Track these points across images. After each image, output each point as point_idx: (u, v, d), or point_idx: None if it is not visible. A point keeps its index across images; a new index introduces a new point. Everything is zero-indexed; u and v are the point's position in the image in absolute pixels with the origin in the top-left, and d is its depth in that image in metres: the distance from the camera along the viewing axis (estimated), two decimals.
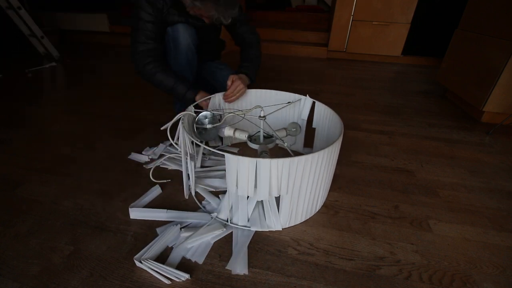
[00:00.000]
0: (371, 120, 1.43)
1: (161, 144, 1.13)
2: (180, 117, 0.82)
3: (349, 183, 0.96)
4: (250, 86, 1.10)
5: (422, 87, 1.96)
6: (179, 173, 0.98)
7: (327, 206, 0.85)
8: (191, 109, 0.88)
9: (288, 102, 1.03)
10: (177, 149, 1.08)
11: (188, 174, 0.83)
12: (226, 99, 1.02)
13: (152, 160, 1.05)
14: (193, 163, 0.81)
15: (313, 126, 1.01)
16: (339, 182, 0.95)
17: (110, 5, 3.37)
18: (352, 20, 2.48)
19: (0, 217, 0.79)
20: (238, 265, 0.65)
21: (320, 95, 1.75)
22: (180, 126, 0.80)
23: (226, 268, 0.65)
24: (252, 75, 1.13)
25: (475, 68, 1.44)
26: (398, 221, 0.80)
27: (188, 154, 0.79)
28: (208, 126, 0.92)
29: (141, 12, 0.97)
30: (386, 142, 1.22)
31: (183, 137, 0.77)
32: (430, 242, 0.74)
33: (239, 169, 0.64)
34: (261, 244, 0.72)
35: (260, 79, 2.02)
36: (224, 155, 0.64)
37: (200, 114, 0.92)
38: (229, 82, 1.00)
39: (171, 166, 1.00)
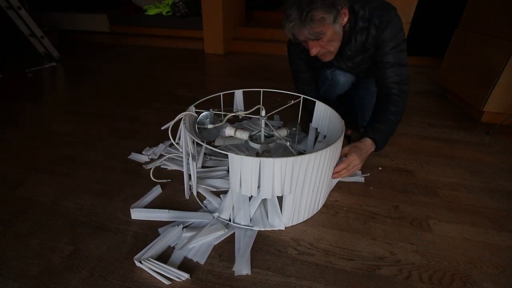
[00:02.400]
0: None
1: (161, 144, 1.13)
2: (181, 117, 0.82)
3: (349, 183, 0.96)
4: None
5: (422, 87, 1.95)
6: (179, 173, 0.98)
7: (327, 206, 0.85)
8: (192, 109, 0.88)
9: (289, 102, 1.03)
10: (178, 149, 1.08)
11: (190, 174, 0.83)
12: (333, 175, 0.79)
13: (152, 160, 1.05)
14: (194, 163, 0.81)
15: (313, 125, 1.01)
16: (339, 182, 0.95)
17: (110, 5, 3.37)
18: None
19: (0, 217, 0.79)
20: (243, 267, 0.65)
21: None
22: (181, 125, 0.80)
23: (233, 269, 0.65)
24: (381, 142, 0.88)
25: (475, 68, 1.44)
26: (398, 221, 0.80)
27: (190, 154, 0.79)
28: (209, 126, 0.92)
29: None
30: None
31: (185, 137, 0.77)
32: (430, 242, 0.74)
33: (242, 168, 0.64)
34: (261, 244, 0.72)
35: (260, 79, 2.02)
36: (225, 155, 0.64)
37: (201, 114, 0.92)
38: (342, 153, 0.82)
39: (171, 166, 1.00)
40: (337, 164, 0.78)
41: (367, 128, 0.90)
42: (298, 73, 1.10)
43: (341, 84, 1.12)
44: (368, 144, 0.86)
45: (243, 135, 0.92)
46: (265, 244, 0.72)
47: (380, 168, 1.04)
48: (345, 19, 0.81)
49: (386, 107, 0.90)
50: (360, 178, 0.96)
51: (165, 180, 0.94)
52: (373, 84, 1.04)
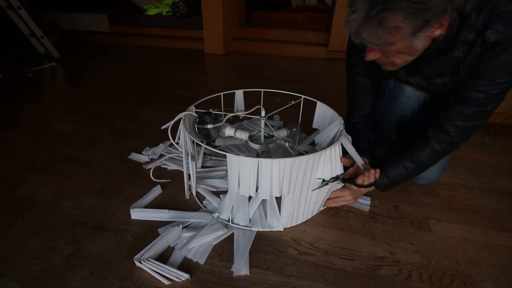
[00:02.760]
0: None
1: (161, 144, 1.13)
2: (181, 117, 0.82)
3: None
4: None
5: None
6: (179, 173, 0.98)
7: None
8: (192, 109, 0.88)
9: (289, 102, 1.03)
10: (178, 149, 1.08)
11: (189, 174, 0.83)
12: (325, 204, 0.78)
13: (152, 160, 1.05)
14: (194, 163, 0.81)
15: (314, 126, 1.01)
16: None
17: (110, 5, 3.37)
18: None
19: (0, 217, 0.79)
20: (242, 267, 0.65)
21: (320, 95, 1.75)
22: (181, 126, 0.80)
23: (232, 270, 0.65)
24: (385, 186, 0.77)
25: None
26: (398, 221, 0.80)
27: (189, 154, 0.79)
28: (209, 126, 0.92)
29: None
30: None
31: (184, 137, 0.77)
32: (430, 242, 0.74)
33: (241, 169, 0.64)
34: (261, 244, 0.72)
35: (260, 79, 2.02)
36: (225, 155, 0.64)
37: (201, 115, 0.93)
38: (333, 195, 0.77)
39: (171, 166, 1.00)
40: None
41: (380, 162, 0.77)
42: (352, 75, 0.83)
43: (405, 98, 0.81)
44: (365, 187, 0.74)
45: (243, 136, 0.92)
46: (265, 244, 0.72)
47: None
48: (437, 32, 0.55)
49: (418, 149, 0.72)
50: (366, 206, 0.85)
51: (165, 180, 0.94)
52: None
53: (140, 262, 0.64)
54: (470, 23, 0.56)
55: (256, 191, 0.67)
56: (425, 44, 0.57)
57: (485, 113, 0.67)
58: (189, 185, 0.88)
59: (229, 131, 0.93)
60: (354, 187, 0.74)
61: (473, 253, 0.72)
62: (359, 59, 0.77)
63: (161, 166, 1.01)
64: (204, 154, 1.06)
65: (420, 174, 0.78)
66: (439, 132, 0.70)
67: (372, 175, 0.72)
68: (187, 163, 0.81)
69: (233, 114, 0.90)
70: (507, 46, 0.54)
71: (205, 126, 0.91)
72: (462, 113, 0.66)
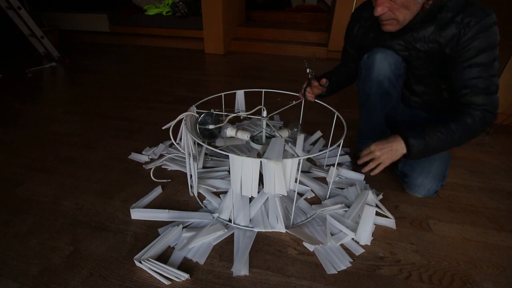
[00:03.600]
0: None
1: (161, 144, 1.13)
2: (183, 118, 0.82)
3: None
4: None
5: None
6: (180, 173, 0.98)
7: None
8: (193, 109, 0.88)
9: (290, 103, 1.03)
10: (179, 149, 1.08)
11: (191, 174, 0.83)
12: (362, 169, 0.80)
13: (152, 160, 1.05)
14: (195, 164, 0.81)
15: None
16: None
17: (110, 5, 3.37)
18: None
19: (0, 217, 0.79)
20: (241, 268, 0.65)
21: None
22: (183, 126, 0.80)
23: (231, 270, 0.65)
24: (416, 148, 0.72)
25: None
26: (398, 221, 0.80)
27: (191, 155, 0.79)
28: (211, 126, 0.92)
29: None
30: None
31: (187, 138, 0.77)
32: (430, 242, 0.74)
33: (243, 170, 0.64)
34: (261, 244, 0.72)
35: (260, 79, 2.02)
36: (226, 156, 0.64)
37: (202, 115, 0.93)
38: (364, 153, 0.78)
39: (172, 167, 1.00)
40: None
41: (407, 128, 0.76)
42: (345, 48, 1.00)
43: (378, 63, 0.81)
44: (396, 141, 0.74)
45: (244, 136, 0.92)
46: (265, 244, 0.72)
47: None
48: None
49: (446, 120, 0.73)
50: (391, 222, 0.80)
51: (165, 180, 0.94)
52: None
53: (140, 262, 0.64)
54: (448, 6, 0.70)
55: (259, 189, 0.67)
56: (419, 4, 0.69)
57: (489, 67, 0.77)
58: (190, 185, 0.88)
59: (230, 131, 0.93)
60: (386, 140, 0.75)
61: (473, 253, 0.72)
62: (357, 30, 0.91)
63: (162, 166, 1.01)
64: (205, 154, 1.06)
65: (453, 146, 0.76)
66: (463, 107, 0.75)
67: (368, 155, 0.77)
68: (190, 164, 0.81)
69: (234, 115, 0.90)
70: (480, 27, 0.69)
71: (207, 127, 0.91)
72: (469, 74, 0.74)
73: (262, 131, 0.92)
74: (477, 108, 0.75)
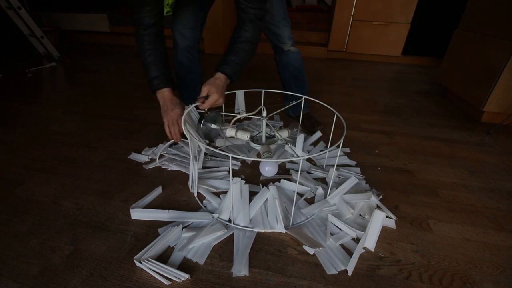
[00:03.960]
0: (371, 120, 1.43)
1: (160, 144, 1.13)
2: (183, 117, 0.82)
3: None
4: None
5: (422, 87, 1.96)
6: (179, 173, 0.98)
7: None
8: (191, 108, 0.88)
9: (291, 102, 1.03)
10: (178, 149, 1.08)
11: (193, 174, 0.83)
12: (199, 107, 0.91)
13: (152, 160, 1.05)
14: (195, 163, 0.81)
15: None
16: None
17: (110, 5, 3.37)
18: (352, 20, 2.48)
19: (0, 217, 0.79)
20: (241, 268, 0.65)
21: (320, 95, 1.75)
22: (183, 123, 0.79)
23: (231, 270, 0.65)
24: (234, 75, 0.94)
25: (475, 68, 1.44)
26: (398, 221, 0.80)
27: (191, 154, 0.79)
28: (213, 126, 0.92)
29: None
30: (386, 142, 1.22)
31: (190, 136, 0.77)
32: (430, 242, 0.74)
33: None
34: (261, 244, 0.72)
35: (260, 80, 2.02)
36: (226, 156, 0.64)
37: (208, 114, 0.93)
38: (203, 93, 0.89)
39: (172, 167, 1.00)
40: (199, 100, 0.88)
41: (221, 62, 0.94)
42: None
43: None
44: (223, 79, 0.92)
45: (244, 136, 0.92)
46: (265, 244, 0.72)
47: (379, 168, 1.04)
48: None
49: (240, 35, 0.91)
50: (392, 222, 0.80)
51: (165, 181, 0.94)
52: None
53: (140, 262, 0.64)
54: None
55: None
56: None
57: None
58: (191, 186, 0.88)
59: (230, 131, 0.93)
60: (217, 83, 0.90)
61: (473, 253, 0.72)
62: None
63: (162, 166, 1.01)
64: (205, 154, 1.06)
65: (255, 50, 0.96)
66: (246, 11, 0.89)
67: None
68: (192, 164, 0.81)
69: (239, 116, 0.90)
70: None
71: (211, 125, 0.90)
72: None
73: (262, 131, 0.92)
74: (250, 11, 0.88)
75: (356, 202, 0.82)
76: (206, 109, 0.92)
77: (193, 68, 1.16)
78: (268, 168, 0.90)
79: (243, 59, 0.94)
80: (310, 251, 0.69)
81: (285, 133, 0.96)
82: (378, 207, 0.80)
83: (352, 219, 0.78)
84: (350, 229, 0.74)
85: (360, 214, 0.80)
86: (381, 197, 0.87)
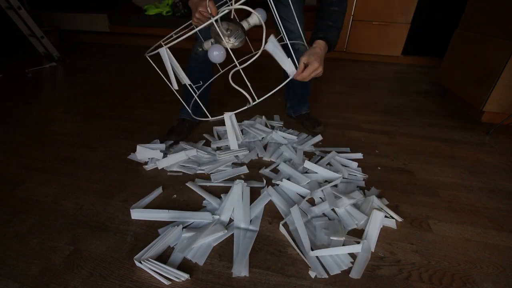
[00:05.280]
0: (371, 120, 1.43)
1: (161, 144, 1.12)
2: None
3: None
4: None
5: (422, 87, 1.96)
6: (179, 174, 0.98)
7: None
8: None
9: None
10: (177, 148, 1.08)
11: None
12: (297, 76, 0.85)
13: (152, 160, 1.05)
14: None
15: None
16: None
17: (110, 5, 3.37)
18: (352, 20, 2.48)
19: (0, 217, 0.79)
20: (242, 269, 0.65)
21: (320, 95, 1.75)
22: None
23: (232, 271, 0.65)
24: (332, 39, 0.88)
25: (475, 68, 1.44)
26: (398, 221, 0.80)
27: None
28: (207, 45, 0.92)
29: None
30: (386, 142, 1.22)
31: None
32: (430, 242, 0.74)
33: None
34: (261, 244, 0.72)
35: (260, 79, 2.02)
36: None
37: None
38: (301, 64, 0.82)
39: (172, 167, 1.00)
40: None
41: (315, 29, 0.89)
42: None
43: None
44: (322, 46, 0.87)
45: (207, 43, 0.92)
46: (265, 244, 0.72)
47: (379, 168, 1.04)
48: None
49: (326, 2, 0.89)
50: (392, 222, 0.79)
51: (165, 181, 0.94)
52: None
53: (140, 262, 0.64)
54: None
55: None
56: None
57: None
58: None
59: (206, 44, 0.94)
60: (316, 51, 0.84)
61: (473, 253, 0.72)
62: None
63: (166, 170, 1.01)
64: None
65: (344, 18, 0.92)
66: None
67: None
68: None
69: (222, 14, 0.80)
70: None
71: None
72: None
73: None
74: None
75: (361, 201, 0.82)
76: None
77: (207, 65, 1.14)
78: (216, 53, 0.87)
79: (338, 21, 0.89)
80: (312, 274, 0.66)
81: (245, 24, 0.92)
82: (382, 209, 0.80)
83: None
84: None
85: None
86: (385, 201, 0.87)
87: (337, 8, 0.87)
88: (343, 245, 0.70)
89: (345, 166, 1.02)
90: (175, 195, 0.87)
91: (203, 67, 1.16)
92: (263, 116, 1.34)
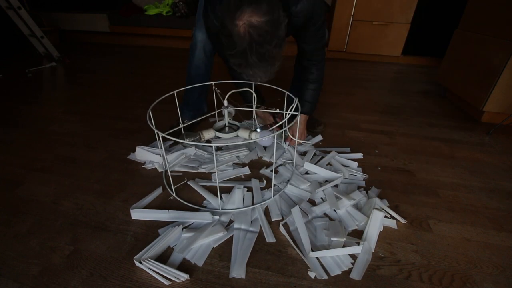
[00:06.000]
0: (371, 120, 1.43)
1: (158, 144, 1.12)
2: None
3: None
4: None
5: (422, 87, 1.96)
6: (179, 174, 0.98)
7: None
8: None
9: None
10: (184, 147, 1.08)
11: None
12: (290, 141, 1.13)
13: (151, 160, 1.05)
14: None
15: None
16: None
17: (110, 5, 3.37)
18: (352, 20, 2.47)
19: (0, 217, 0.79)
20: (240, 271, 0.65)
21: (320, 95, 1.74)
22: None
23: (230, 272, 0.65)
24: (311, 111, 1.11)
25: (475, 68, 1.44)
26: (398, 221, 0.80)
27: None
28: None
29: None
30: (386, 142, 1.22)
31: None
32: (430, 242, 0.74)
33: None
34: (261, 244, 0.72)
35: None
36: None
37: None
38: (288, 136, 1.08)
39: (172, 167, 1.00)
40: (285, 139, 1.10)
41: (298, 93, 1.06)
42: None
43: (199, 44, 1.14)
44: (303, 118, 1.11)
45: (211, 133, 0.94)
46: (265, 244, 0.72)
47: (379, 168, 1.04)
48: None
49: (308, 78, 1.05)
50: (392, 222, 0.79)
51: (165, 180, 0.94)
52: None
53: (140, 262, 0.64)
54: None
55: None
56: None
57: (320, 37, 0.96)
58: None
59: (207, 134, 0.96)
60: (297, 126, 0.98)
61: (473, 253, 0.72)
62: None
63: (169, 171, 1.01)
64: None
65: (321, 88, 1.09)
66: (307, 59, 1.02)
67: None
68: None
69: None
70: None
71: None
72: (309, 43, 0.98)
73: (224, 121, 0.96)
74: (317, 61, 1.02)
75: (362, 201, 0.82)
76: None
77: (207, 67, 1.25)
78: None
79: (315, 97, 1.08)
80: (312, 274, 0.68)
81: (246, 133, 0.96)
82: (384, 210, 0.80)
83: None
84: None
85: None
86: (387, 203, 0.87)
87: (316, 87, 1.06)
88: (343, 246, 0.71)
89: (345, 166, 1.02)
90: (171, 197, 0.87)
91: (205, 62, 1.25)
92: None
